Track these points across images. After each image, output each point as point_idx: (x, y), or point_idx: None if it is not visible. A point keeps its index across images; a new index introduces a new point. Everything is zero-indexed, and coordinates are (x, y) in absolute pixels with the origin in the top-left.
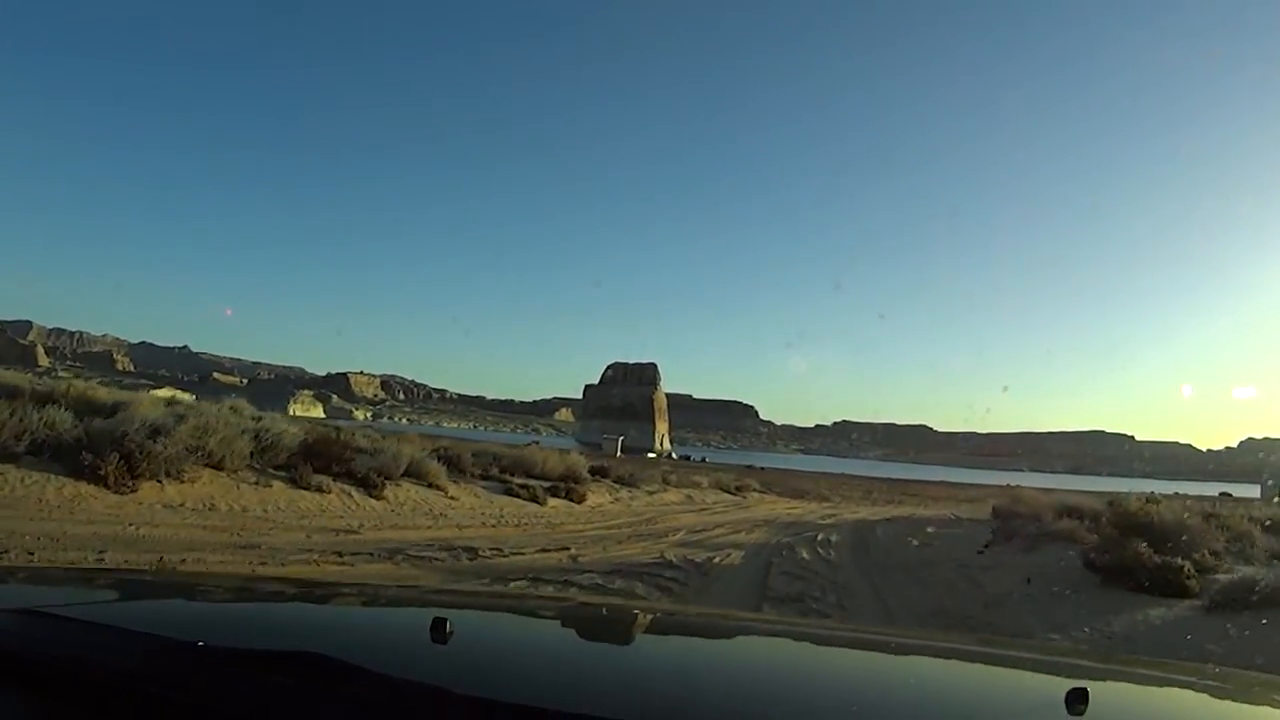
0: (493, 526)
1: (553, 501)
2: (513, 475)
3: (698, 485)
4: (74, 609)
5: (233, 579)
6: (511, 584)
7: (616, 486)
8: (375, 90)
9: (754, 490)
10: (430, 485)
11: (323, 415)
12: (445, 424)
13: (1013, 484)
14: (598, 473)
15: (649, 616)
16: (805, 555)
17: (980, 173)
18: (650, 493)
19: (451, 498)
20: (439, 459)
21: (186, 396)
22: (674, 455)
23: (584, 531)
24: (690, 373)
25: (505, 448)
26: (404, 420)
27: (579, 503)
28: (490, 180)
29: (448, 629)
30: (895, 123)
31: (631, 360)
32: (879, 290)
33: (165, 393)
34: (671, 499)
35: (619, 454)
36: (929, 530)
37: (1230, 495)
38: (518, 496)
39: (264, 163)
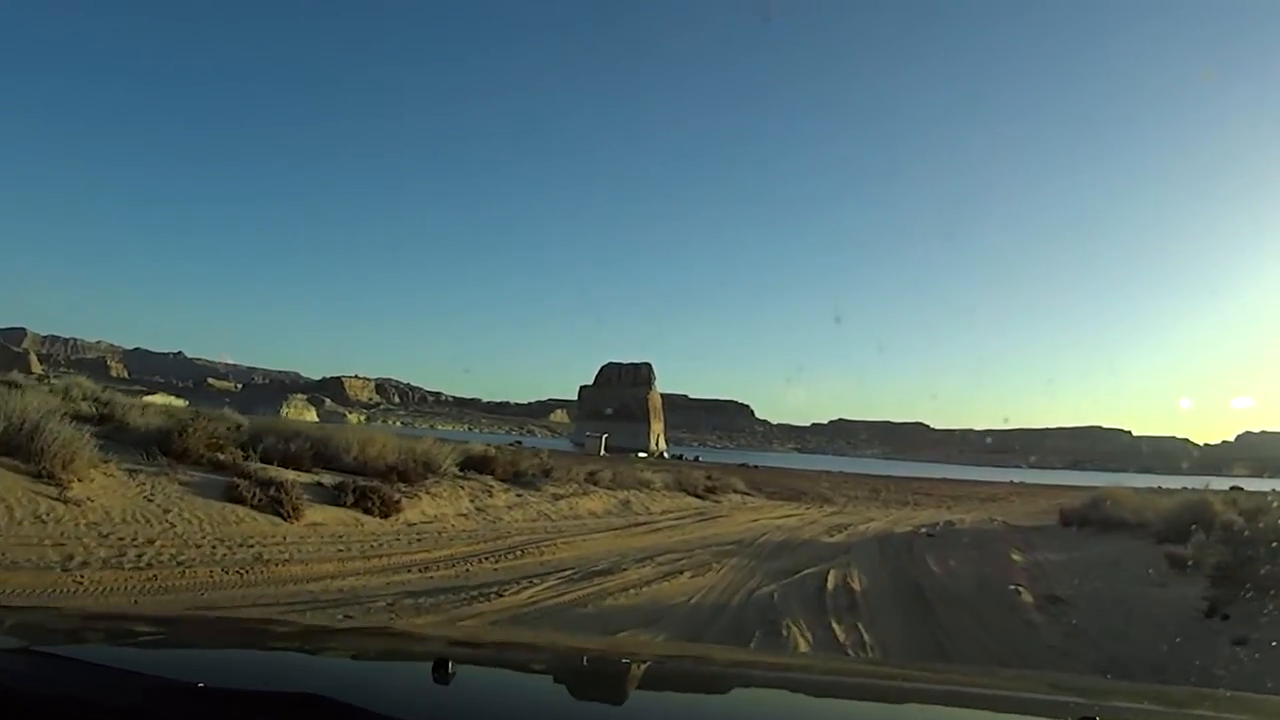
0: (67, 570)
1: (322, 513)
2: (279, 464)
3: (647, 485)
4: (74, 649)
5: (233, 621)
6: None
7: (496, 488)
8: (367, 97)
9: (735, 491)
10: (42, 475)
11: (316, 419)
12: (439, 426)
13: (1017, 480)
14: (475, 467)
15: (653, 659)
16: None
17: (980, 173)
18: (557, 497)
19: (69, 501)
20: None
21: (180, 402)
22: (666, 455)
23: (321, 585)
24: (685, 373)
25: (317, 428)
26: (398, 423)
27: (386, 515)
28: (487, 183)
29: (449, 671)
30: (892, 115)
31: (626, 361)
32: (878, 299)
33: (158, 399)
34: (591, 507)
35: (602, 453)
36: (1014, 558)
37: (1242, 489)
38: (244, 502)
39: (259, 168)
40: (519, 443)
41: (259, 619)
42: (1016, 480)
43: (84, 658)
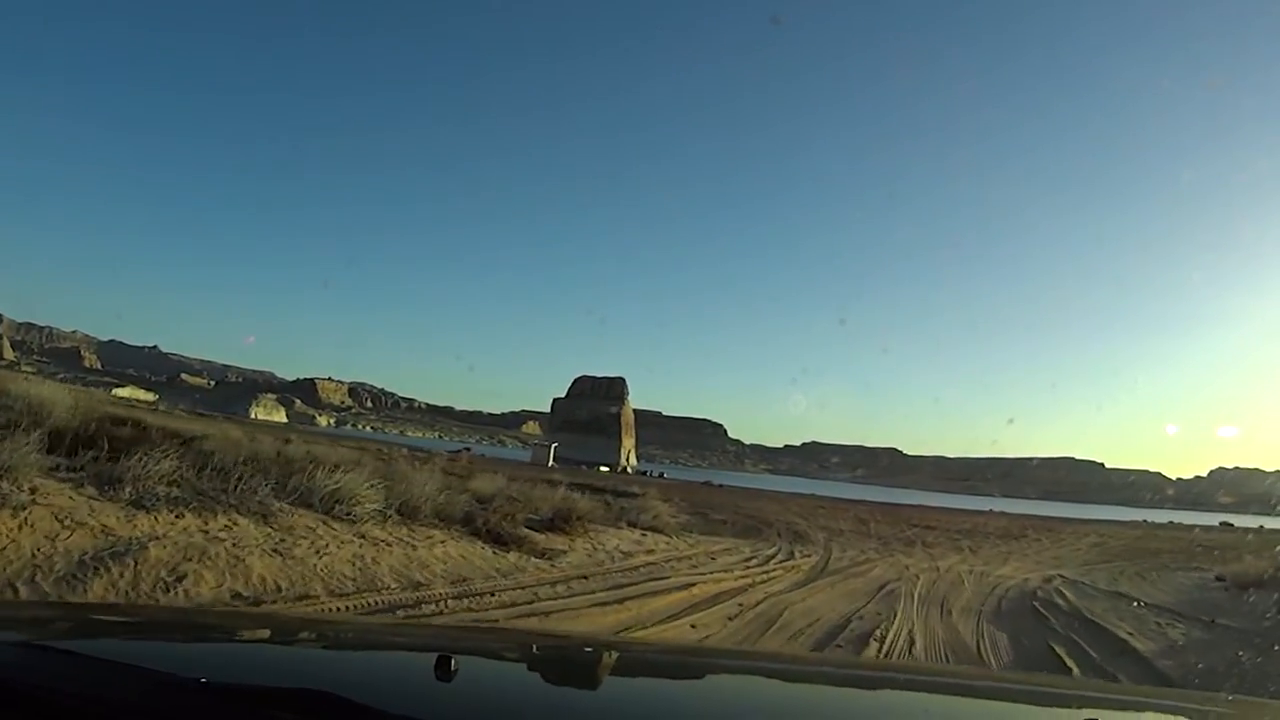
0: None
1: None
2: None
3: (291, 526)
4: (77, 643)
5: (235, 616)
6: None
7: None
8: (363, 113)
9: (632, 525)
10: None
11: (285, 420)
12: (410, 433)
13: (995, 510)
14: None
15: (657, 655)
16: None
17: (961, 205)
18: None
19: None
20: None
21: (149, 396)
22: (630, 470)
23: None
24: (660, 389)
25: None
26: (368, 428)
27: None
28: (467, 193)
29: (452, 667)
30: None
31: (600, 374)
32: (878, 323)
33: (126, 391)
34: None
35: (550, 464)
36: None
37: (1231, 525)
38: None
39: (242, 167)
40: (468, 449)
41: (261, 613)
42: (998, 510)
43: (86, 652)
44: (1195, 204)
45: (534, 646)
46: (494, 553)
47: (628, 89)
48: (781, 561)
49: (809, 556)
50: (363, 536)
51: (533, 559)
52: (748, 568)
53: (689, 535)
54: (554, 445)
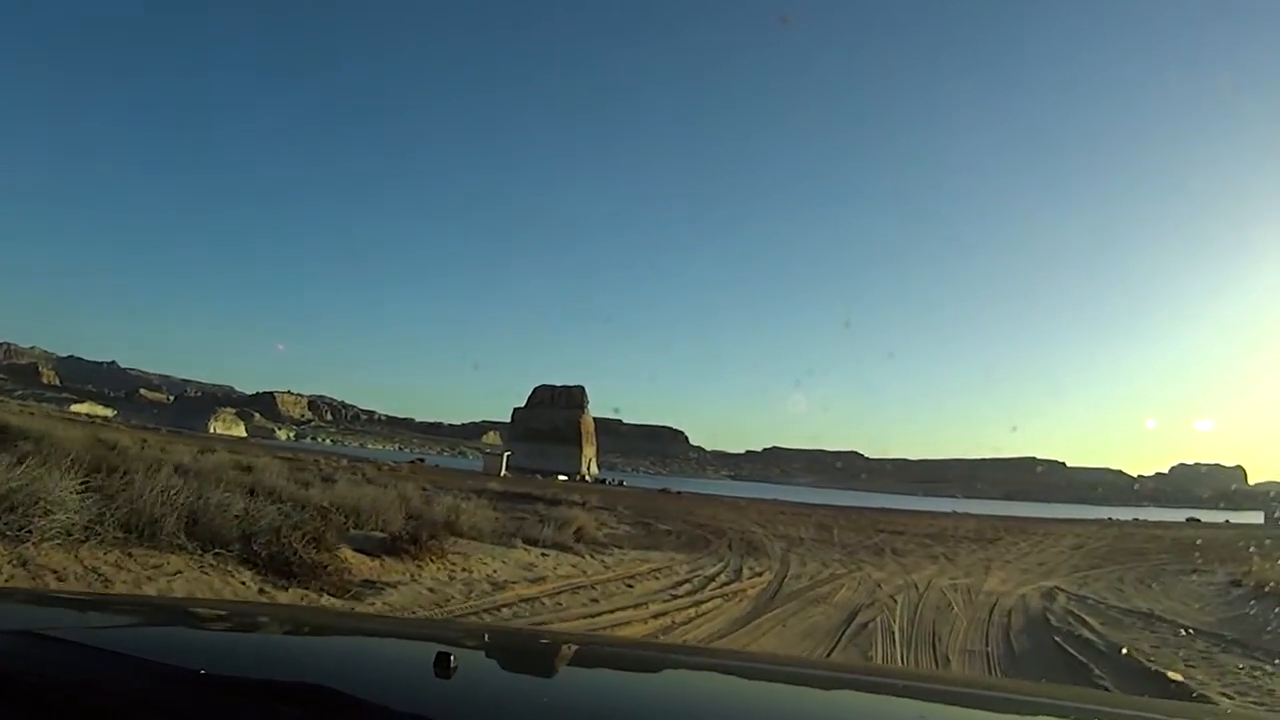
0: None
1: None
2: None
3: None
4: (76, 632)
5: (236, 608)
6: None
7: None
8: (316, 115)
9: (502, 545)
10: None
11: (244, 434)
12: (370, 445)
13: (960, 511)
14: None
15: (657, 653)
16: None
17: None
18: None
19: None
20: None
21: (106, 412)
22: (588, 479)
23: None
24: (620, 398)
25: None
26: (328, 441)
27: None
28: (430, 200)
29: (451, 664)
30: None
31: (559, 384)
32: (877, 325)
33: (84, 408)
34: None
35: (503, 473)
36: None
37: (1199, 520)
38: None
39: (202, 178)
40: (422, 459)
41: (262, 606)
42: (963, 511)
43: (84, 641)
44: (1190, 203)
45: (533, 643)
46: (260, 589)
47: (629, 93)
48: (724, 585)
49: (760, 575)
50: (24, 564)
51: (325, 598)
52: (674, 597)
53: (613, 551)
54: (506, 454)
